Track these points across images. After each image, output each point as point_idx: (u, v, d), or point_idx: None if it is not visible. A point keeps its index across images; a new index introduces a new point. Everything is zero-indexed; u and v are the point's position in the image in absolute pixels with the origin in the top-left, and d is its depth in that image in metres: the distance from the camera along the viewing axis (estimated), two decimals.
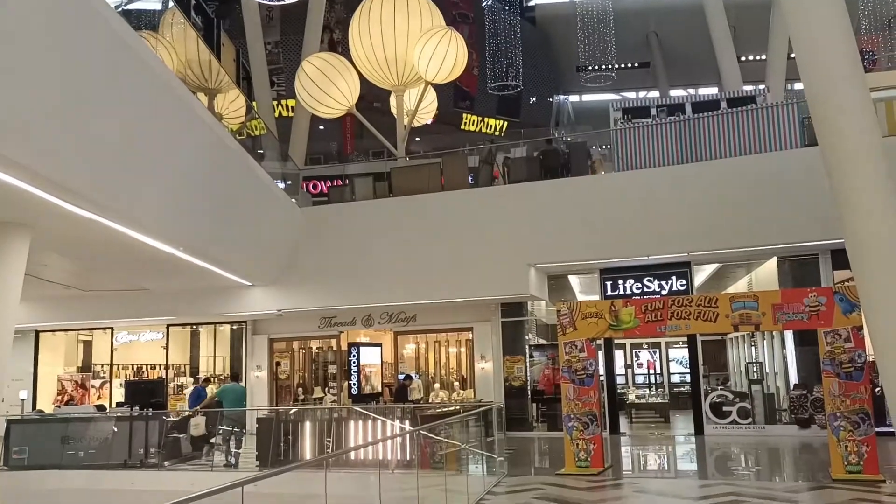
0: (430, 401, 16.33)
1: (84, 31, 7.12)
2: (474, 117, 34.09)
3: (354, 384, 16.95)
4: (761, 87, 20.93)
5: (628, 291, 14.96)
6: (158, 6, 20.72)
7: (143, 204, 9.39)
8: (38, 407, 18.02)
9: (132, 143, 8.59)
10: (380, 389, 17.68)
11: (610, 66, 29.73)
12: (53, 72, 6.70)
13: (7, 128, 6.21)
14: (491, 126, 34.32)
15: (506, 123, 34.30)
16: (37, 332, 19.22)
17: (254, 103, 21.94)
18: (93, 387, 19.13)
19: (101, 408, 15.86)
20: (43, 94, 6.63)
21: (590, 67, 29.99)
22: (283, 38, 30.36)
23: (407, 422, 12.27)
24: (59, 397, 18.61)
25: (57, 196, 7.64)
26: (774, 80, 23.62)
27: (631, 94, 36.41)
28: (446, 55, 16.62)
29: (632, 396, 18.72)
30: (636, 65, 35.43)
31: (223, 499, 3.99)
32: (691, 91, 31.48)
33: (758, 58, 30.06)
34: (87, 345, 20.68)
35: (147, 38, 12.13)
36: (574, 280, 17.16)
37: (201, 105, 12.01)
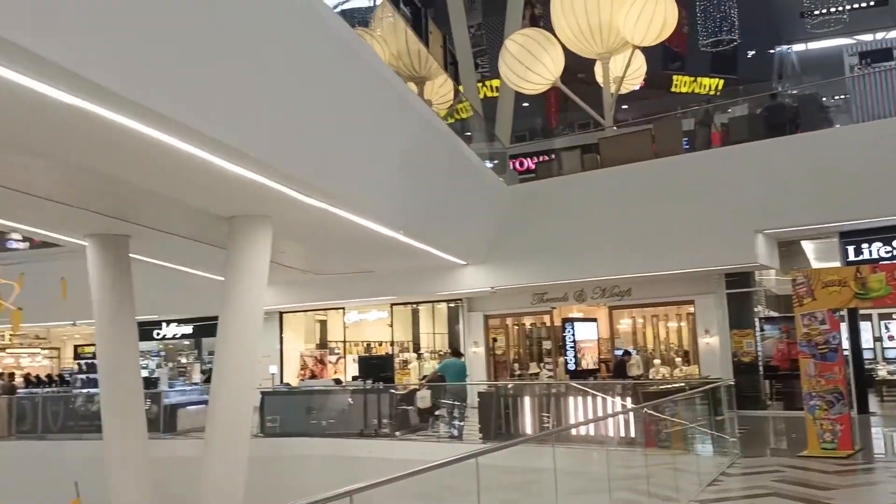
0: (650, 377, 15.83)
1: (312, 36, 7.70)
2: (686, 78, 32.19)
3: (571, 360, 16.89)
4: None
5: (874, 256, 13.32)
6: (368, 2, 21.95)
7: (367, 192, 10.01)
8: (285, 380, 20.10)
9: (356, 137, 9.19)
10: (596, 365, 17.45)
11: (840, 8, 26.51)
12: (288, 78, 7.33)
13: (256, 132, 6.92)
14: (705, 86, 32.22)
15: (722, 81, 32.01)
16: (280, 314, 21.34)
17: (460, 87, 22.51)
18: (329, 362, 20.84)
19: (337, 381, 17.28)
20: (282, 99, 7.28)
21: (816, 12, 26.96)
22: (485, 19, 30.76)
23: (628, 398, 11.98)
24: (302, 372, 20.52)
25: (294, 189, 8.37)
26: None
27: (867, 37, 32.19)
28: (654, 16, 15.84)
29: (882, 372, 16.83)
30: (871, 3, 31.23)
31: (457, 467, 4.19)
32: None
33: None
34: (323, 324, 22.61)
35: (362, 35, 12.93)
36: (807, 246, 15.63)
37: (414, 94, 12.57)
